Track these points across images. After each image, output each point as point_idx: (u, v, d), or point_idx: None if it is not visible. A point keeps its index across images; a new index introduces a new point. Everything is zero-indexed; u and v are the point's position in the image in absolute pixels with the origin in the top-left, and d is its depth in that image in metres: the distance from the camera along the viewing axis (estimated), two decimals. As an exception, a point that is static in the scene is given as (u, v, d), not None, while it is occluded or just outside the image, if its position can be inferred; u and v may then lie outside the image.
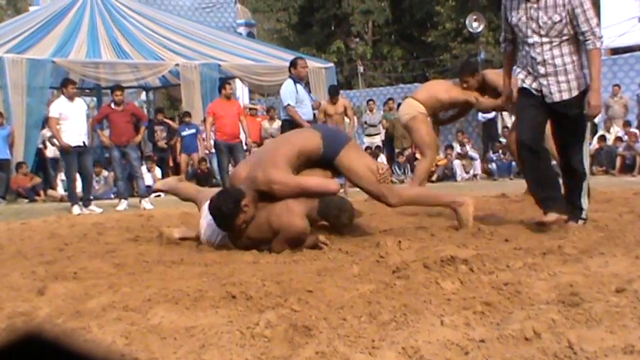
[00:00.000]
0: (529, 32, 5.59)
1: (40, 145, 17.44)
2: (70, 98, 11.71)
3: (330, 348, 2.69)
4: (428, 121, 8.83)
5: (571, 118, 5.66)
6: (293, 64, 10.56)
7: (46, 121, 14.26)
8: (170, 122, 18.70)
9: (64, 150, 11.79)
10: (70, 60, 16.86)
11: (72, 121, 11.57)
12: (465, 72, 8.63)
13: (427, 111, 8.63)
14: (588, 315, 2.90)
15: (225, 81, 14.81)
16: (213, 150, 13.64)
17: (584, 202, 5.87)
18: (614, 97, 18.72)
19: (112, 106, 12.45)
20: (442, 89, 8.71)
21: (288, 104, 10.17)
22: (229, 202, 5.36)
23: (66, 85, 11.89)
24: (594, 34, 5.39)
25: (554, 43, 5.53)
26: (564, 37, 5.50)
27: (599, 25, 5.48)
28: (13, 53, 16.16)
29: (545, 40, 5.55)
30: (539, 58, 5.59)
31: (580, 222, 5.75)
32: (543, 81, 5.62)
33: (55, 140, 13.28)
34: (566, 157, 5.87)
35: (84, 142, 11.73)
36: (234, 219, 5.38)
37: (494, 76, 8.39)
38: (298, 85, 10.31)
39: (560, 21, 5.45)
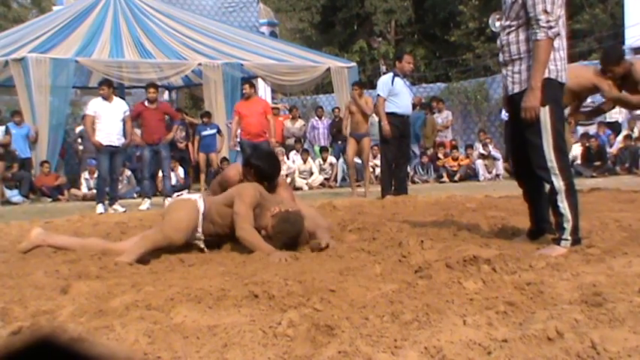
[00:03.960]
0: (503, 15, 5.03)
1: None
2: (107, 98, 11.78)
3: (353, 347, 2.69)
4: None
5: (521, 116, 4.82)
6: (399, 57, 10.99)
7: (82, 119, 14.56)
8: (191, 119, 18.73)
9: (96, 147, 11.89)
10: (93, 59, 16.95)
11: (105, 121, 11.65)
12: (610, 60, 7.78)
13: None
14: (611, 315, 2.88)
15: (245, 81, 14.84)
16: (238, 148, 13.67)
17: (567, 217, 4.72)
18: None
19: (146, 103, 12.49)
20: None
21: (378, 95, 10.41)
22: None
23: (99, 85, 12.05)
24: (538, 21, 4.60)
25: (512, 27, 4.85)
26: (521, 21, 4.77)
27: (547, 12, 4.57)
28: (36, 53, 16.27)
29: (506, 23, 4.92)
30: (499, 44, 5.01)
31: (563, 244, 4.70)
32: (504, 70, 5.01)
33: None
34: (527, 160, 4.92)
35: (116, 143, 11.80)
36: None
37: None
38: (397, 78, 10.54)
39: (516, 1, 4.79)
